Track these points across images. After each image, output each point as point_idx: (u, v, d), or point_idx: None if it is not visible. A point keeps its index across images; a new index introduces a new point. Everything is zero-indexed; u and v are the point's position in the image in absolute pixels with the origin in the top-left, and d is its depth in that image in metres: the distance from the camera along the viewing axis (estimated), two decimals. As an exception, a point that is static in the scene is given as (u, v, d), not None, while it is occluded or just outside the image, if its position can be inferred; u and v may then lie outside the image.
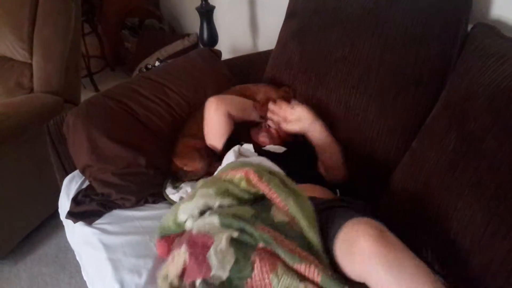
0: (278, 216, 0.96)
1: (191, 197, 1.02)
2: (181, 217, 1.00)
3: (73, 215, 1.38)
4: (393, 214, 1.13)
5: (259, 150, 1.37)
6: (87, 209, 1.37)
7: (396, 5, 1.30)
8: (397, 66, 1.26)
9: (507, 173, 0.93)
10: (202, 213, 0.99)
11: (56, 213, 2.13)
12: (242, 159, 1.24)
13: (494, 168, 0.96)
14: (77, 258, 1.42)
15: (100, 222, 1.33)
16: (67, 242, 2.01)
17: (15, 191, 1.89)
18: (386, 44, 1.28)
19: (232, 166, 1.10)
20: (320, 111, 1.39)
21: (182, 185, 1.43)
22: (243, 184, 1.03)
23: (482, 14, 1.26)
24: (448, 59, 1.22)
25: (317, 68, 1.49)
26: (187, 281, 0.87)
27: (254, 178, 1.01)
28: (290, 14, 1.72)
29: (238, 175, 1.04)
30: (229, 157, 1.29)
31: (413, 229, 1.09)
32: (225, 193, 1.01)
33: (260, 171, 1.03)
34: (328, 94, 1.43)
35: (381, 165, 1.29)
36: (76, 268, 1.89)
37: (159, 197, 1.40)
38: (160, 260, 1.10)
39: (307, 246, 0.89)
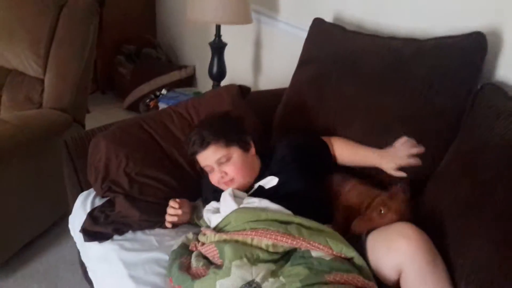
0: (326, 257, 1.05)
1: (226, 271, 1.05)
2: None
3: (87, 233, 1.40)
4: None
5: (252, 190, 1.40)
6: (101, 231, 1.39)
7: (415, 62, 1.43)
8: (418, 119, 1.39)
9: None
10: None
11: (48, 229, 2.13)
12: (244, 205, 1.26)
13: (504, 215, 1.07)
14: (90, 275, 1.43)
15: (118, 238, 1.36)
16: (58, 259, 2.02)
17: (13, 205, 1.88)
18: (406, 98, 1.41)
19: (251, 225, 1.15)
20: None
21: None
22: (271, 248, 1.09)
23: (490, 75, 1.42)
24: (461, 113, 1.35)
25: (338, 116, 1.58)
26: None
27: (287, 241, 1.08)
28: (305, 61, 1.81)
29: (264, 241, 1.09)
30: (228, 203, 1.29)
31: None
32: (257, 260, 1.07)
33: (287, 230, 1.10)
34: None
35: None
36: (68, 285, 1.88)
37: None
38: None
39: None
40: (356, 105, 1.55)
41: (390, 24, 1.73)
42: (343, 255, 1.06)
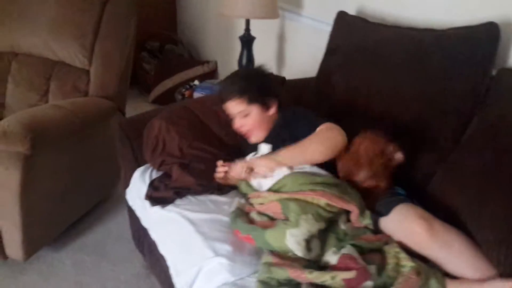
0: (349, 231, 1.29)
1: (295, 223, 1.22)
2: (291, 245, 1.19)
3: (152, 199, 1.58)
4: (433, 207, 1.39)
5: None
6: (163, 196, 1.57)
7: (434, 50, 1.61)
8: (436, 100, 1.57)
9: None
10: (307, 241, 1.20)
11: (95, 207, 2.31)
12: (297, 169, 1.44)
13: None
14: (152, 236, 1.58)
15: (179, 203, 1.53)
16: (105, 233, 2.22)
17: (66, 183, 2.05)
18: (426, 80, 1.59)
19: (309, 187, 1.32)
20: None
21: None
22: (328, 207, 1.28)
23: (504, 62, 1.58)
24: (477, 96, 1.52)
25: (362, 98, 1.76)
26: None
27: (341, 203, 1.28)
28: (332, 50, 2.00)
29: (322, 200, 1.27)
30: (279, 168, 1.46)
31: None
32: (319, 217, 1.25)
33: (341, 193, 1.30)
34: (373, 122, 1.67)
35: (420, 176, 1.57)
36: (118, 257, 2.05)
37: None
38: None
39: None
40: (380, 89, 1.72)
41: (410, 17, 1.88)
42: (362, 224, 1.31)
